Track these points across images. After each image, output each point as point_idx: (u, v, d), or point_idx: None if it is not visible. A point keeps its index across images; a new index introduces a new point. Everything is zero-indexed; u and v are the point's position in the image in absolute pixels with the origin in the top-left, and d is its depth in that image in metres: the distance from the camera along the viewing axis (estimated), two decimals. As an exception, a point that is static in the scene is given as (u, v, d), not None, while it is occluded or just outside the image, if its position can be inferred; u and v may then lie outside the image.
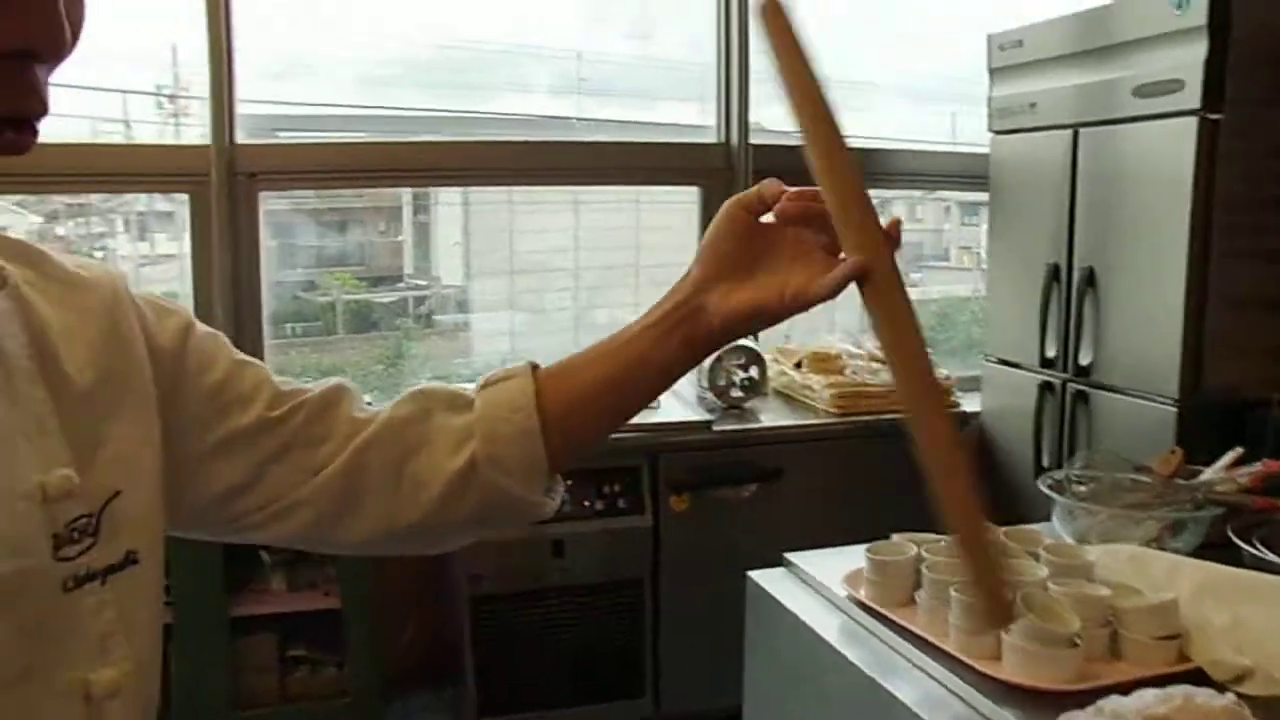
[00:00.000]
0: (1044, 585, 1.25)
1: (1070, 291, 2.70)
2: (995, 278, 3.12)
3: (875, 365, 2.96)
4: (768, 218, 0.78)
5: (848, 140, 0.73)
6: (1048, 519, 1.64)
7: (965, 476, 0.71)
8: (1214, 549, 1.45)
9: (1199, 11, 2.30)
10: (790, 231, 0.77)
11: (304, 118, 3.25)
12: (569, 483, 2.60)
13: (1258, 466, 1.70)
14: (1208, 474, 1.70)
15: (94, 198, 3.25)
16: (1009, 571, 0.73)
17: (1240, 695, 1.05)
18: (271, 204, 3.04)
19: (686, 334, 0.78)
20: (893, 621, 1.33)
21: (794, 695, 1.49)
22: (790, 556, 1.58)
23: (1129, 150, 2.53)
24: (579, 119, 3.43)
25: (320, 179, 3.12)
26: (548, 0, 3.37)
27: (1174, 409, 2.41)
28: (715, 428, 2.76)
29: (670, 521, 2.70)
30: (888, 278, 0.72)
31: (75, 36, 0.57)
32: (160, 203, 3.22)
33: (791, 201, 0.76)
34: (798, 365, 3.08)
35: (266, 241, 3.00)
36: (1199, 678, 1.12)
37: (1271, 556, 1.36)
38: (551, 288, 3.59)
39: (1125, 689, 1.04)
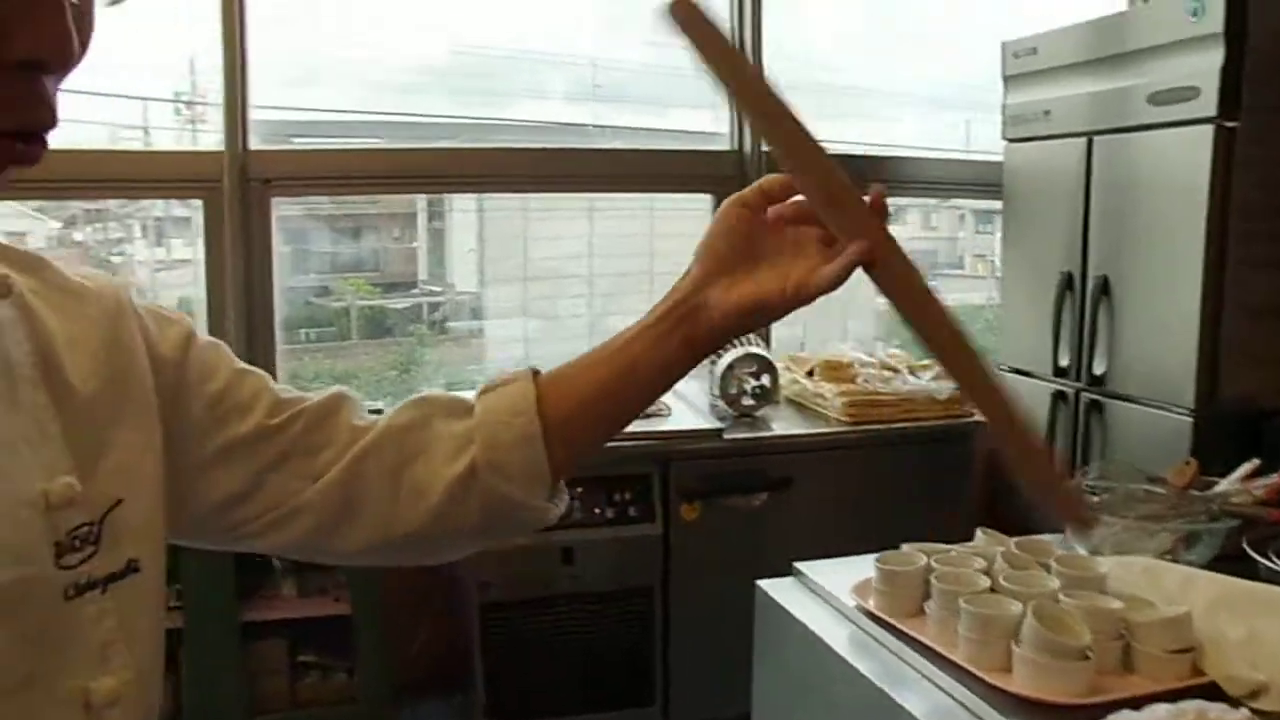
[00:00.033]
0: (1055, 597, 1.24)
1: (1084, 300, 2.69)
2: (1008, 286, 3.11)
3: (887, 374, 2.95)
4: (775, 210, 0.78)
5: (807, 128, 0.72)
6: (1060, 530, 1.63)
7: (1008, 397, 0.73)
8: (1229, 562, 1.43)
9: (1215, 19, 2.29)
10: (788, 227, 0.77)
11: (321, 123, 3.27)
12: (579, 490, 2.59)
13: (1274, 478, 1.68)
14: (1223, 485, 1.69)
15: (112, 203, 3.27)
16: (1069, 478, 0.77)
17: (1255, 711, 1.03)
18: (286, 210, 3.05)
19: (687, 333, 0.78)
20: (902, 632, 1.32)
21: (803, 705, 1.48)
22: (799, 566, 1.57)
23: (1144, 158, 2.52)
24: (594, 125, 3.43)
25: (334, 185, 3.13)
26: (563, 7, 3.38)
27: (1189, 419, 2.40)
28: (726, 436, 2.74)
29: (680, 529, 2.69)
30: (887, 254, 0.72)
31: (84, 47, 0.57)
32: (177, 208, 3.23)
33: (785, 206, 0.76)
34: (810, 373, 3.06)
35: (281, 247, 3.01)
36: (1213, 693, 1.11)
37: (1287, 569, 1.34)
38: (565, 294, 3.59)
39: (1137, 703, 1.03)
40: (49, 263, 0.73)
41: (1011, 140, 3.00)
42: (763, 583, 1.57)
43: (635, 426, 2.88)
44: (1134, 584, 1.32)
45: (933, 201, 4.06)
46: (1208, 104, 2.31)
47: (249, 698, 2.61)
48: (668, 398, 2.95)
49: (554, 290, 3.61)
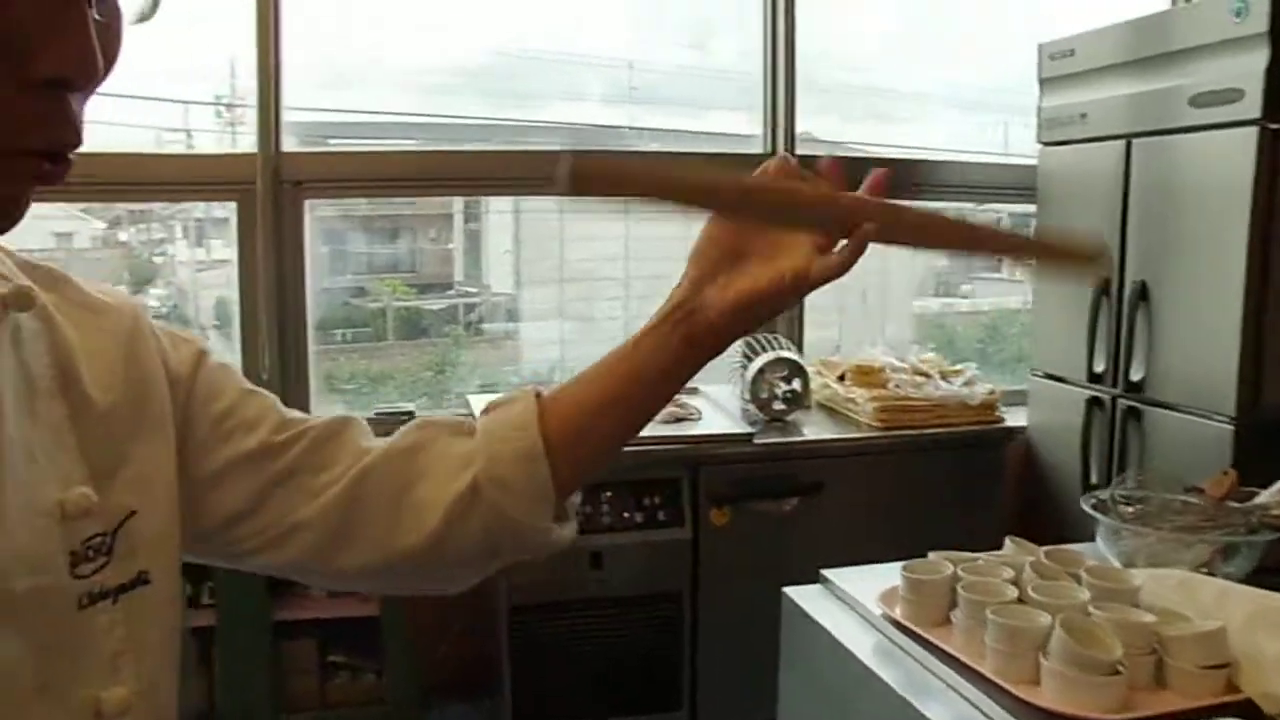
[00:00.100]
0: (1085, 609, 1.22)
1: (1121, 305, 2.64)
2: (1042, 290, 3.07)
3: (919, 379, 2.92)
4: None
5: (723, 175, 0.72)
6: (1093, 539, 1.60)
7: (1012, 232, 0.79)
8: (1268, 575, 1.40)
9: (1260, 19, 2.24)
10: None
11: (356, 125, 3.29)
12: (608, 494, 2.59)
13: (1316, 489, 1.64)
14: (1263, 496, 1.64)
15: (155, 205, 3.32)
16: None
17: (1290, 729, 1.01)
18: (322, 211, 3.07)
19: (686, 333, 0.77)
20: (928, 641, 1.30)
21: (828, 712, 1.47)
22: (827, 573, 1.56)
23: (1184, 161, 2.47)
24: (630, 128, 3.43)
25: (367, 187, 3.15)
26: (599, 9, 3.38)
27: (1230, 427, 2.35)
28: (757, 440, 2.73)
29: (710, 534, 2.67)
30: (883, 220, 0.72)
31: (110, 65, 0.57)
32: (217, 209, 3.27)
33: None
34: (841, 378, 3.04)
35: (317, 248, 3.03)
36: (1248, 710, 1.08)
37: (1327, 584, 1.31)
38: (601, 296, 3.58)
39: (1169, 720, 1.01)
40: (70, 278, 0.74)
41: (1046, 144, 2.96)
42: (789, 590, 1.56)
43: (665, 430, 2.87)
44: (1168, 597, 1.29)
45: (969, 205, 4.01)
46: (1252, 106, 2.27)
47: (280, 697, 2.63)
48: (698, 401, 2.94)
49: (589, 292, 3.60)
